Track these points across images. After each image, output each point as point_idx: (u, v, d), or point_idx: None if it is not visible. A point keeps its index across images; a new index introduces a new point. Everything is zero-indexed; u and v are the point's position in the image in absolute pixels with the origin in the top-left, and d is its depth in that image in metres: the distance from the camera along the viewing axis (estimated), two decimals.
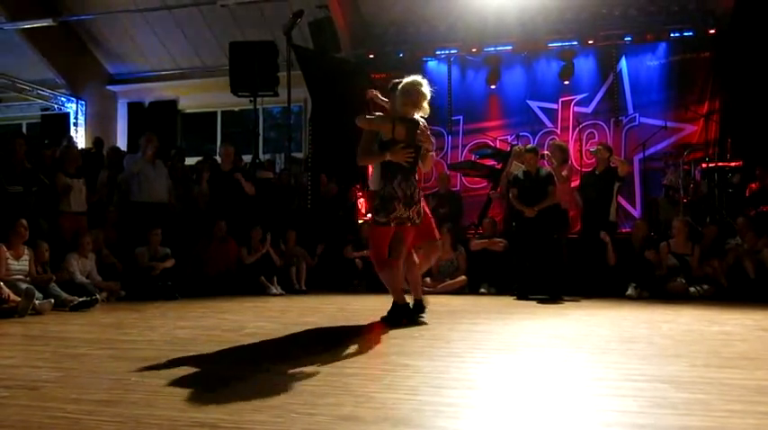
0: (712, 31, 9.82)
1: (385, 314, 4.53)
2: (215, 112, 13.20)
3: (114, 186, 7.94)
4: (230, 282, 7.42)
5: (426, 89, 4.27)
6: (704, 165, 8.73)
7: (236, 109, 12.57)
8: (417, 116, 4.31)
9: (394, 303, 4.50)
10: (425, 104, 4.29)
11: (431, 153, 4.74)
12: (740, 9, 9.32)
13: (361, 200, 9.92)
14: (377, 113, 4.46)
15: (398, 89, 4.31)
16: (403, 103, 4.24)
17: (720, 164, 8.56)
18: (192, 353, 3.16)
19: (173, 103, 13.14)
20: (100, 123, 13.20)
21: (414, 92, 4.23)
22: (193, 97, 13.08)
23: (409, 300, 4.57)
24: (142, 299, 6.47)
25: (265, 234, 7.79)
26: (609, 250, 7.22)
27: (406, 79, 4.32)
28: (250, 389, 2.38)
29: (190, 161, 10.12)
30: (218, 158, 9.26)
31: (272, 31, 10.75)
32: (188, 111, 13.38)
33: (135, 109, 13.28)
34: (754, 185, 8.08)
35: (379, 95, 4.83)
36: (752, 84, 9.19)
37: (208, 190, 8.05)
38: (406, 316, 4.48)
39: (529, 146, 7.52)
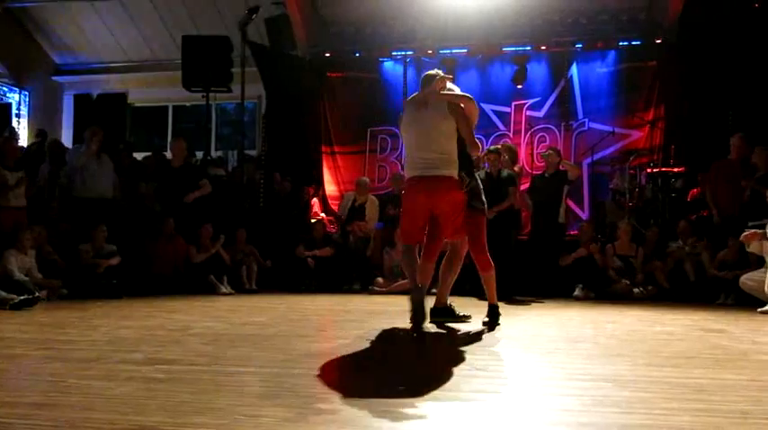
0: (659, 41, 10.11)
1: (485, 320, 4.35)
2: (166, 107, 12.90)
3: (56, 181, 7.69)
4: (178, 281, 7.27)
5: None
6: (649, 171, 8.98)
7: (189, 104, 12.32)
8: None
9: (492, 306, 4.40)
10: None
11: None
12: (685, 20, 9.62)
13: (315, 199, 9.88)
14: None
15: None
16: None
17: (664, 169, 8.82)
18: (134, 354, 3.08)
19: (122, 96, 12.76)
20: (44, 115, 12.75)
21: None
22: (144, 91, 12.74)
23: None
24: (85, 297, 6.27)
25: (216, 232, 7.67)
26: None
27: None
28: (194, 390, 2.32)
29: (139, 156, 9.91)
30: (168, 154, 9.07)
31: (226, 26, 10.59)
32: (138, 104, 13.05)
33: (82, 101, 12.83)
34: (695, 191, 8.36)
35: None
36: (694, 93, 9.51)
37: (156, 186, 7.88)
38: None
39: (492, 147, 7.58)
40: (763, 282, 5.69)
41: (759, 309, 5.62)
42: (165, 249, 7.43)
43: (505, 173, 7.14)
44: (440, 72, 4.29)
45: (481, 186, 4.15)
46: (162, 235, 7.48)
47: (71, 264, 6.72)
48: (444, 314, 4.43)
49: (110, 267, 6.78)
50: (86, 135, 7.49)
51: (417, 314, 3.87)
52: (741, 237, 5.98)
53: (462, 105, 4.11)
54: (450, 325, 4.36)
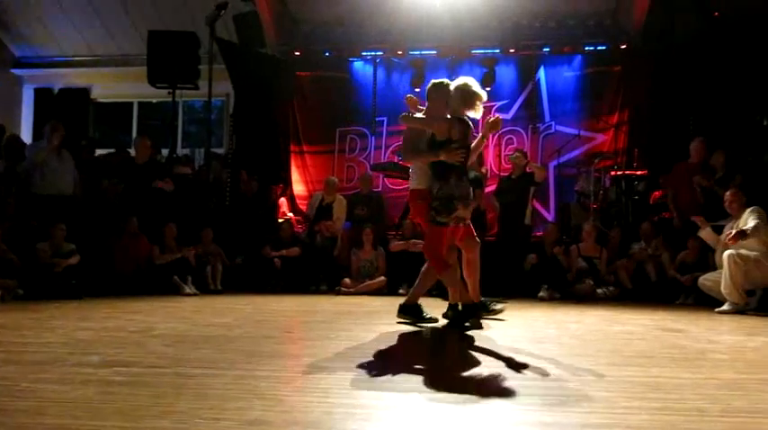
0: (623, 47, 10.30)
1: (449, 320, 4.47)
2: (131, 103, 12.68)
3: (13, 177, 7.48)
4: (141, 281, 7.15)
5: (481, 90, 4.36)
6: (613, 173, 9.13)
7: (155, 100, 12.15)
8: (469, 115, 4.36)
9: (465, 305, 4.43)
10: (479, 104, 4.35)
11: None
12: (649, 27, 9.83)
13: (282, 199, 9.81)
14: (419, 114, 4.51)
15: (455, 89, 4.35)
16: (462, 104, 4.30)
17: (628, 172, 8.98)
18: (92, 357, 3.00)
19: (85, 91, 12.50)
20: (2, 109, 12.40)
21: (472, 93, 4.30)
22: (108, 86, 12.49)
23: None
24: (42, 298, 6.12)
25: (181, 231, 7.56)
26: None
27: (460, 80, 4.38)
28: (153, 393, 2.27)
29: (103, 153, 9.72)
30: (132, 151, 8.91)
31: (194, 22, 10.45)
32: (101, 100, 12.79)
33: (43, 95, 12.54)
34: (657, 193, 8.53)
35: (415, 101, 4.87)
36: (657, 98, 9.73)
37: (119, 183, 7.73)
38: (477, 313, 4.47)
39: None
40: (720, 282, 5.82)
41: (717, 309, 5.77)
42: (127, 248, 7.30)
43: (472, 174, 7.17)
44: (445, 81, 4.51)
45: (458, 193, 4.17)
46: (125, 234, 7.33)
47: (28, 264, 6.52)
48: (411, 313, 4.52)
49: (69, 267, 6.62)
50: (46, 130, 7.32)
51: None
52: (700, 233, 6.17)
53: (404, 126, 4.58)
54: (417, 325, 4.40)
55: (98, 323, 4.42)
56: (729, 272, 5.69)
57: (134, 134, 12.02)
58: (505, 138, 10.75)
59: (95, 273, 7.01)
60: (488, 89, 10.70)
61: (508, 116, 10.86)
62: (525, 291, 7.22)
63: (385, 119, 11.05)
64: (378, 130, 11.09)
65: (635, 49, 10.17)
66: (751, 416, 2.08)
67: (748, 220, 5.81)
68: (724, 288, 5.76)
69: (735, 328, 4.63)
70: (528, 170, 7.72)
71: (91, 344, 3.40)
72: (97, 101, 12.75)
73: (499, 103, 10.90)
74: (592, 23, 10.58)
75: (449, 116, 4.32)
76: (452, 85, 4.40)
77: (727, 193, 6.23)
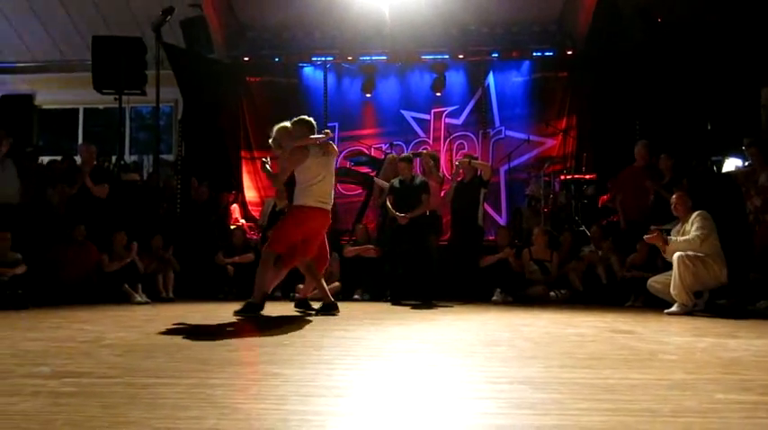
0: (570, 52, 10.54)
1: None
2: (76, 109, 12.37)
3: None
4: (90, 290, 6.97)
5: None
6: (562, 178, 9.33)
7: (101, 107, 11.87)
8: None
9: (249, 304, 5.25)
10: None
11: None
12: (594, 33, 10.08)
13: (234, 205, 9.69)
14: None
15: (299, 124, 5.40)
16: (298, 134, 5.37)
17: (576, 176, 9.19)
18: (40, 367, 2.91)
19: (28, 98, 12.16)
20: None
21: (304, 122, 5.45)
22: (52, 92, 12.18)
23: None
24: None
25: (131, 239, 7.39)
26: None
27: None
28: (105, 404, 2.22)
29: (48, 160, 9.42)
30: (77, 158, 8.68)
31: (139, 27, 10.26)
32: (46, 106, 12.44)
33: None
34: (605, 197, 8.74)
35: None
36: (603, 103, 9.97)
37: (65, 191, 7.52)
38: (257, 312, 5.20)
39: (404, 154, 7.67)
40: (669, 284, 5.98)
41: (666, 311, 5.90)
42: (75, 257, 7.11)
43: (419, 180, 7.28)
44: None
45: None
46: (72, 242, 7.14)
47: None
48: (303, 306, 5.77)
49: (15, 276, 6.41)
50: None
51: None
52: (645, 238, 6.28)
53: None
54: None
55: (46, 333, 4.28)
56: (679, 273, 5.81)
57: (80, 141, 11.70)
58: (457, 143, 10.88)
59: (42, 283, 6.81)
60: (439, 94, 10.94)
61: (459, 121, 11.00)
62: (478, 294, 7.30)
63: (337, 124, 11.05)
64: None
65: (580, 54, 10.42)
66: (701, 415, 2.13)
67: (693, 226, 5.97)
68: (673, 289, 5.87)
69: (684, 329, 4.72)
70: (479, 173, 7.80)
71: (40, 355, 3.30)
72: (42, 107, 12.39)
73: (450, 109, 11.03)
74: (538, 30, 10.80)
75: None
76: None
77: (673, 197, 6.36)
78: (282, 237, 5.35)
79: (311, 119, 5.46)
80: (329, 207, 5.42)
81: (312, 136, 5.36)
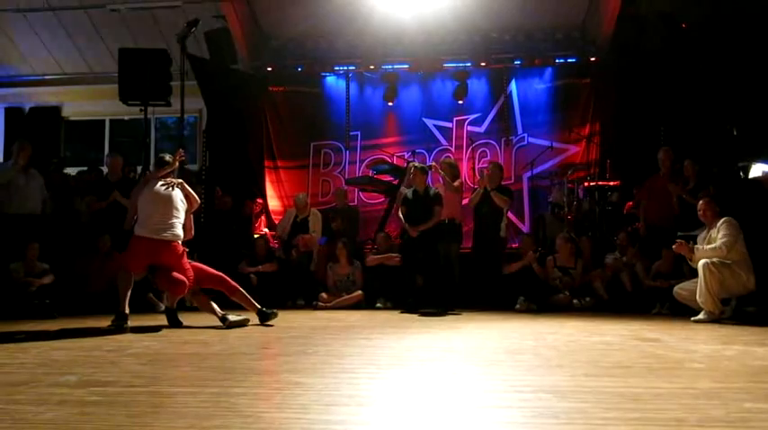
0: (593, 59, 10.47)
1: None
2: (103, 121, 12.56)
3: None
4: (115, 300, 7.02)
5: None
6: (586, 184, 9.23)
7: (127, 118, 12.03)
8: None
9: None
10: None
11: None
12: (617, 39, 10.00)
13: (263, 216, 9.76)
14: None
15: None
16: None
17: (600, 183, 9.09)
18: (67, 376, 2.95)
19: (56, 110, 12.37)
20: None
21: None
22: (79, 104, 12.38)
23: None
24: (16, 318, 5.99)
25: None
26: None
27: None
28: (130, 413, 2.24)
29: (75, 171, 9.60)
30: (104, 169, 8.82)
31: (165, 39, 10.40)
32: (73, 118, 12.66)
33: (13, 114, 12.38)
34: (630, 204, 8.64)
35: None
36: (627, 109, 9.87)
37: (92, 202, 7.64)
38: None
39: (418, 165, 7.63)
40: (695, 291, 5.88)
41: (692, 318, 5.82)
42: (100, 267, 7.19)
43: (432, 191, 7.27)
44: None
45: None
46: (97, 253, 7.24)
47: (1, 284, 6.43)
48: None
49: (42, 286, 6.52)
50: (14, 149, 7.29)
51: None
52: (672, 247, 6.19)
53: None
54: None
55: (73, 343, 4.34)
56: (705, 281, 5.73)
57: (106, 152, 11.88)
58: (479, 151, 10.84)
59: (69, 292, 6.90)
60: (461, 102, 10.92)
61: (481, 129, 10.97)
62: (501, 303, 7.25)
63: (359, 133, 11.09)
64: (352, 145, 11.12)
65: (603, 61, 10.35)
66: (729, 425, 2.10)
67: (719, 232, 5.88)
68: (699, 297, 5.79)
69: (711, 337, 4.66)
70: (502, 183, 7.73)
71: (66, 364, 3.35)
72: (69, 119, 12.62)
73: (472, 117, 11.01)
74: (561, 36, 10.74)
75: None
76: None
77: (701, 203, 6.26)
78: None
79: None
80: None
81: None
